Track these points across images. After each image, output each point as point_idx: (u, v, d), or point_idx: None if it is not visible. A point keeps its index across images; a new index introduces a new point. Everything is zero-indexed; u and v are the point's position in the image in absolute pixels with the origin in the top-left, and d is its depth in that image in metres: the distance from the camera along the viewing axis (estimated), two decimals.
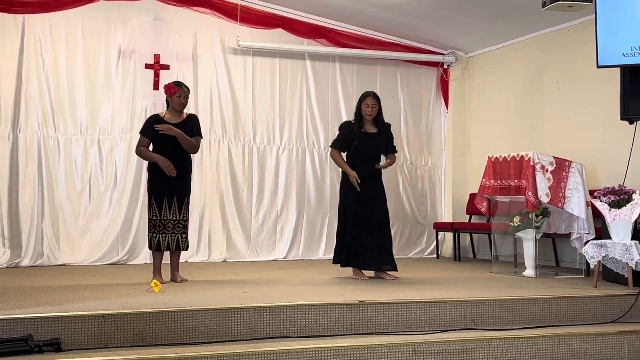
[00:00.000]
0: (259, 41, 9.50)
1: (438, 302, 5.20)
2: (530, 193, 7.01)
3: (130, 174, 8.80)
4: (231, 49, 9.39)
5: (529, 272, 7.29)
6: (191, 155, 6.54)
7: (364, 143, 6.87)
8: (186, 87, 6.52)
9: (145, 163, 6.67)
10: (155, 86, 8.94)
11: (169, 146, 6.34)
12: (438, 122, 10.64)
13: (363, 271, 6.85)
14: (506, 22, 9.00)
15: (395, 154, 7.17)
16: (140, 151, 6.48)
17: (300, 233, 9.63)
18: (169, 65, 9.03)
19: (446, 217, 10.43)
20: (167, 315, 4.55)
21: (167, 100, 6.55)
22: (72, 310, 4.52)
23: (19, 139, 8.38)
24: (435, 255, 10.16)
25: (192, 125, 6.49)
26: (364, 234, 6.77)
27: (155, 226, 6.33)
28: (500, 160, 7.56)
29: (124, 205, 8.77)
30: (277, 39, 9.63)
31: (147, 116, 8.78)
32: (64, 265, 8.36)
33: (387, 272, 6.82)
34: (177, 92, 6.42)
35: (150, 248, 6.44)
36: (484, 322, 5.24)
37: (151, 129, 6.38)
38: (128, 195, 8.79)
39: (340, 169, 6.99)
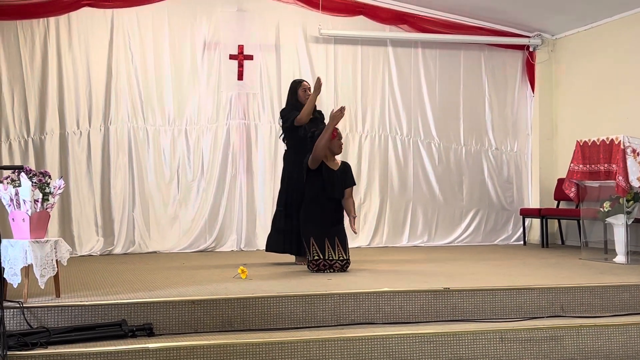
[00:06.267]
0: (341, 29, 9.51)
1: (525, 289, 5.13)
2: (620, 177, 6.82)
3: (216, 163, 8.97)
4: (313, 37, 9.44)
5: (620, 258, 7.11)
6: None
7: (308, 125, 6.79)
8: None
9: None
10: (240, 76, 9.08)
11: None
12: (524, 106, 10.43)
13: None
14: (594, 3, 8.74)
15: None
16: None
17: (383, 220, 9.62)
18: (252, 56, 9.15)
19: (533, 203, 10.24)
20: (254, 301, 4.63)
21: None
22: (164, 296, 4.66)
23: (110, 131, 8.65)
24: (522, 242, 9.99)
25: (347, 175, 6.51)
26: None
27: None
28: (590, 144, 7.38)
29: (210, 193, 8.95)
30: (359, 26, 9.63)
31: (232, 106, 9.02)
32: (155, 252, 8.60)
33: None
34: (338, 134, 6.40)
35: None
36: (573, 310, 5.13)
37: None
38: (215, 184, 8.96)
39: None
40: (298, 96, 6.95)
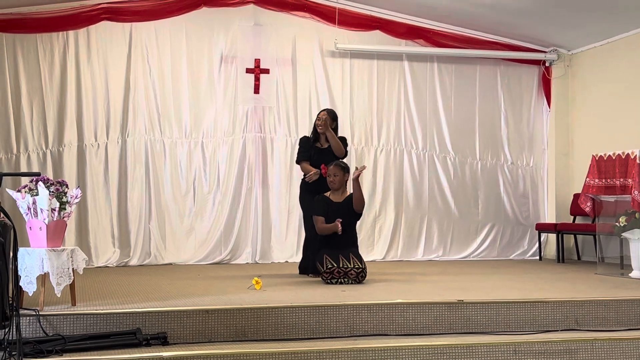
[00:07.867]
0: (357, 43, 9.56)
1: (539, 302, 5.11)
2: (636, 192, 6.80)
3: (232, 176, 9.02)
4: (329, 51, 9.50)
5: (636, 273, 7.06)
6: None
7: (318, 156, 7.07)
8: (342, 164, 6.66)
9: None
10: (256, 90, 9.14)
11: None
12: (540, 121, 10.42)
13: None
14: (610, 18, 8.74)
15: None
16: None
17: (398, 234, 9.62)
18: (269, 70, 9.22)
19: (549, 218, 10.20)
20: (268, 311, 4.65)
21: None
22: (178, 306, 4.69)
23: (127, 143, 8.72)
24: (537, 257, 9.95)
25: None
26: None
27: None
28: (605, 158, 7.36)
29: (226, 206, 8.99)
30: (375, 40, 9.67)
31: (248, 120, 9.08)
32: (170, 264, 8.64)
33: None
34: (328, 172, 6.61)
35: None
36: (588, 323, 5.12)
37: (322, 207, 6.54)
38: (230, 196, 9.00)
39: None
40: (315, 125, 7.19)
